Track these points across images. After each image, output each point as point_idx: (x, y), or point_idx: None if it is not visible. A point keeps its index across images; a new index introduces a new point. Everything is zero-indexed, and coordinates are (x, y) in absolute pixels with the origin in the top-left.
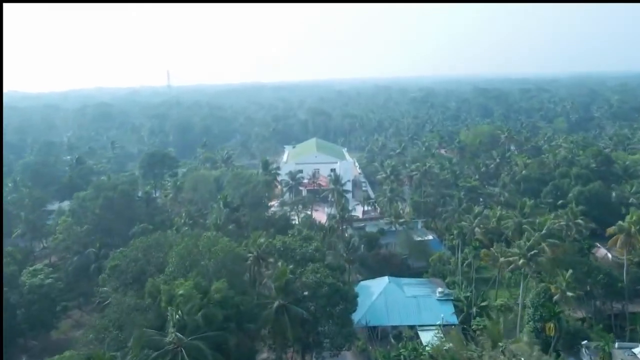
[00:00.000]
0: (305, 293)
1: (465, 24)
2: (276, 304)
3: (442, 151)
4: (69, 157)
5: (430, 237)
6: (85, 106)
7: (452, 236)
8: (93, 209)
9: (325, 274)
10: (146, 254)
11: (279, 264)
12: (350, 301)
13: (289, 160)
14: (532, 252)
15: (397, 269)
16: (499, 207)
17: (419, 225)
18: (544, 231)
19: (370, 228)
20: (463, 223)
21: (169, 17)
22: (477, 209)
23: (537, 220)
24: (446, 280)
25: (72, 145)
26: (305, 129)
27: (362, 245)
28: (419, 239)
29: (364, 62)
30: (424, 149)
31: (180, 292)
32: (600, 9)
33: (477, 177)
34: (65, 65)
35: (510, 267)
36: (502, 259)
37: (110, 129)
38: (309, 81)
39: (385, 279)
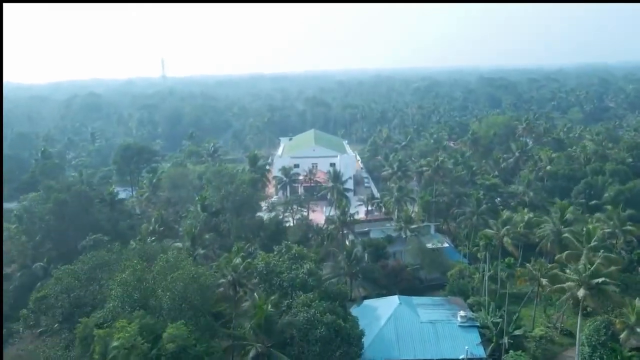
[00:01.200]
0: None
1: (465, 19)
2: (253, 351)
3: (451, 144)
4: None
5: (446, 245)
6: (74, 97)
7: (476, 247)
8: (42, 215)
9: (322, 309)
10: (90, 278)
11: (255, 294)
12: (355, 343)
13: (284, 153)
14: (599, 281)
15: (408, 283)
16: (525, 209)
17: (432, 230)
18: (592, 243)
19: (376, 233)
20: (488, 231)
21: (168, 10)
22: (505, 214)
23: (584, 229)
24: (468, 301)
25: (50, 137)
26: (303, 120)
27: (366, 254)
28: (433, 246)
29: (364, 54)
30: (432, 141)
31: (116, 344)
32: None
33: (495, 173)
34: (63, 57)
35: (565, 297)
36: (544, 282)
37: (97, 120)
38: (309, 72)
39: (395, 298)
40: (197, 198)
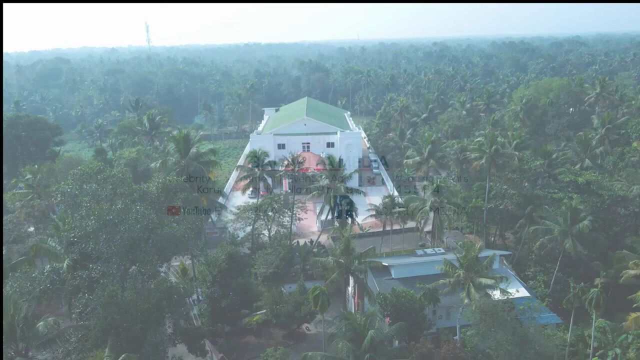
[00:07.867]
0: None
1: None
2: None
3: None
4: None
5: (522, 291)
6: (36, 62)
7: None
8: None
9: None
10: None
11: None
12: None
13: (265, 129)
14: None
15: None
16: None
17: (496, 263)
18: None
19: (400, 272)
20: None
21: None
22: None
23: None
24: None
25: None
26: (297, 88)
27: (384, 314)
28: (502, 296)
29: (360, 26)
30: (464, 112)
31: None
32: None
33: (587, 162)
34: (57, 25)
35: None
36: None
37: (53, 88)
38: (306, 42)
39: None
40: (60, 225)
